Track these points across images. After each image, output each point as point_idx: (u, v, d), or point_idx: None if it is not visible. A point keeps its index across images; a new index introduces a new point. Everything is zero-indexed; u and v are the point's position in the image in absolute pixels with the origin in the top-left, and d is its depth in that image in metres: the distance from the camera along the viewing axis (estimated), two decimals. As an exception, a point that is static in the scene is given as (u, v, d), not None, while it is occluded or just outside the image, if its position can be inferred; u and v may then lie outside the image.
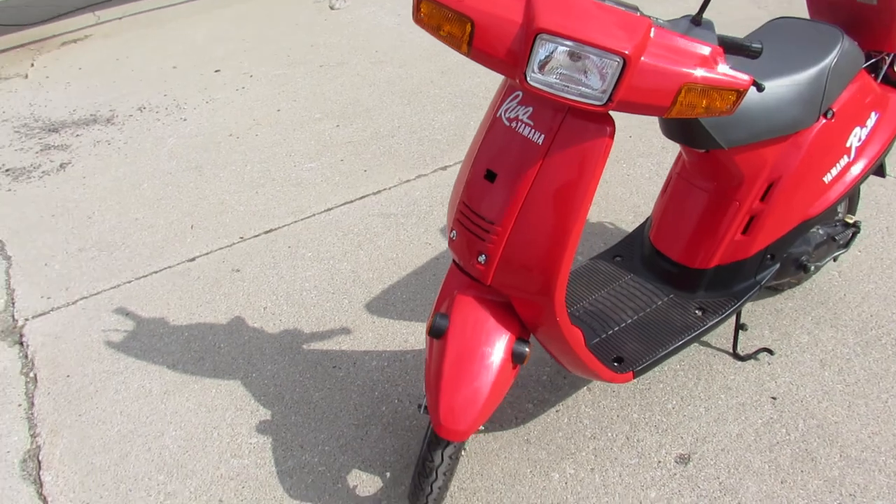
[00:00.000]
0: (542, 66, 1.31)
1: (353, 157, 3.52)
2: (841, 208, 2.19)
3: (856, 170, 1.90)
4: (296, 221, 3.06)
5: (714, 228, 1.88)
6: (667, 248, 1.99)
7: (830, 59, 1.73)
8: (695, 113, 1.35)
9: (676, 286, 1.97)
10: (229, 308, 2.59)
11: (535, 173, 1.45)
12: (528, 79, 1.31)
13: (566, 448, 1.93)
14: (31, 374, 2.39)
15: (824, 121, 1.80)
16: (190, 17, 5.81)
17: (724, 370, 2.11)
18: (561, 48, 1.28)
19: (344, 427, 2.07)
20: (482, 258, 1.52)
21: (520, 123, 1.47)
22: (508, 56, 1.31)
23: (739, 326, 2.10)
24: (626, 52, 1.25)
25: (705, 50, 1.33)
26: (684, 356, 2.16)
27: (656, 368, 2.12)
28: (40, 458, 2.07)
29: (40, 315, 2.66)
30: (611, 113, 1.37)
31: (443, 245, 2.80)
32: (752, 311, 2.30)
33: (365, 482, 1.90)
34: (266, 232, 3.01)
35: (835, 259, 2.25)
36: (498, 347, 1.56)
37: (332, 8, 5.56)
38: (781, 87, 1.69)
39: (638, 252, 2.09)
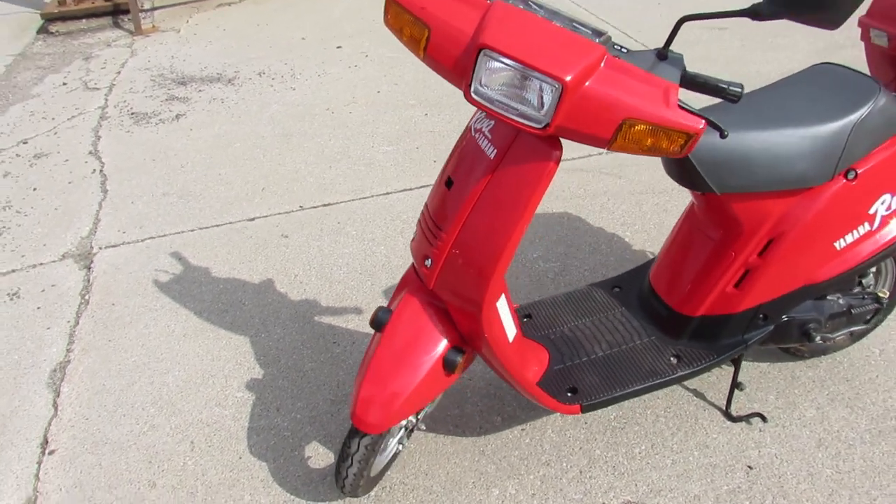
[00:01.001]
0: (487, 82, 1.30)
1: (430, 146, 3.59)
2: (870, 280, 1.98)
3: (880, 240, 1.71)
4: (353, 200, 3.18)
5: (707, 275, 1.76)
6: (660, 287, 1.90)
7: (858, 115, 1.56)
8: (639, 150, 1.29)
9: (662, 329, 1.88)
10: (265, 270, 2.76)
11: (483, 186, 1.45)
12: (472, 93, 1.31)
13: (517, 468, 1.91)
14: (86, 297, 2.68)
15: (844, 181, 1.63)
16: (334, -7, 6.11)
17: (709, 427, 1.98)
18: (501, 66, 1.27)
19: (320, 400, 2.16)
20: (428, 262, 1.54)
21: (481, 136, 1.48)
22: (456, 68, 1.31)
23: (736, 385, 1.96)
24: (565, 79, 1.22)
25: (658, 86, 1.27)
26: (672, 403, 2.05)
27: (637, 409, 2.03)
28: (67, 370, 2.33)
29: (111, 246, 2.97)
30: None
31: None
32: (766, 372, 2.14)
33: (320, 455, 1.98)
34: (324, 205, 3.15)
35: (853, 335, 2.04)
36: (431, 352, 1.57)
37: None
38: (793, 137, 1.55)
39: (636, 287, 2.00)
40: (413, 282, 1.64)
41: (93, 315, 2.58)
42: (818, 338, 1.85)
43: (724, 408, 2.00)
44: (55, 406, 2.20)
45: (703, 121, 1.26)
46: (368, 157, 3.52)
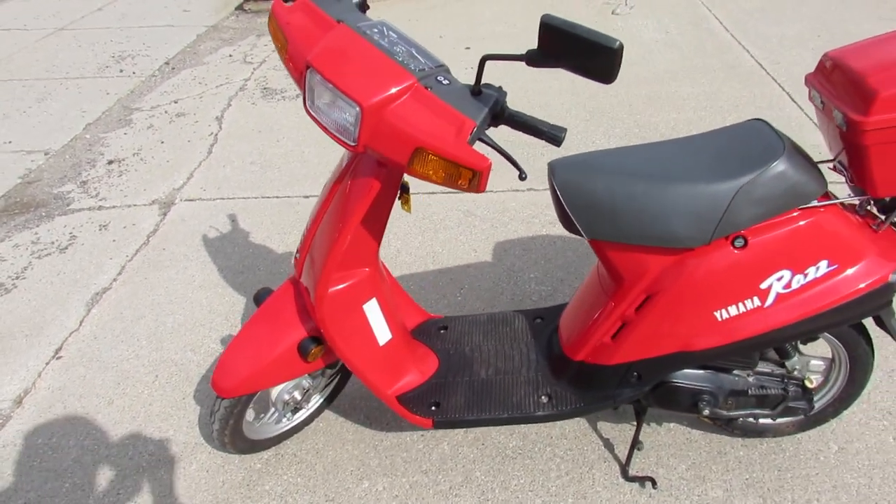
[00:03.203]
0: (316, 97, 1.41)
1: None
2: (801, 366, 1.76)
3: (773, 319, 1.53)
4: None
5: (590, 320, 1.71)
6: (562, 325, 1.86)
7: (746, 179, 1.43)
8: (435, 179, 1.33)
9: (550, 367, 1.84)
10: (294, 243, 3.02)
11: (336, 191, 1.57)
12: (307, 105, 1.43)
13: (396, 468, 1.98)
14: (149, 240, 3.13)
15: (730, 248, 1.50)
16: (493, -4, 6.28)
17: (599, 479, 1.90)
18: (321, 84, 1.37)
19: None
20: (297, 255, 1.69)
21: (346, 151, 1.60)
22: (299, 79, 1.44)
23: (636, 443, 1.87)
24: (363, 103, 1.30)
25: (454, 121, 1.30)
26: (577, 446, 1.98)
27: (539, 444, 2.00)
28: (103, 296, 2.77)
29: (189, 200, 3.41)
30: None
31: (487, 259, 2.84)
32: (693, 440, 1.98)
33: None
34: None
35: (753, 418, 1.84)
36: (288, 336, 1.71)
37: (613, 13, 5.52)
38: (666, 193, 1.46)
39: (554, 321, 1.97)
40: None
41: (145, 255, 3.01)
42: (707, 411, 1.71)
43: (624, 463, 1.91)
44: (81, 322, 2.63)
45: (489, 160, 1.27)
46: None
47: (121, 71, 5.23)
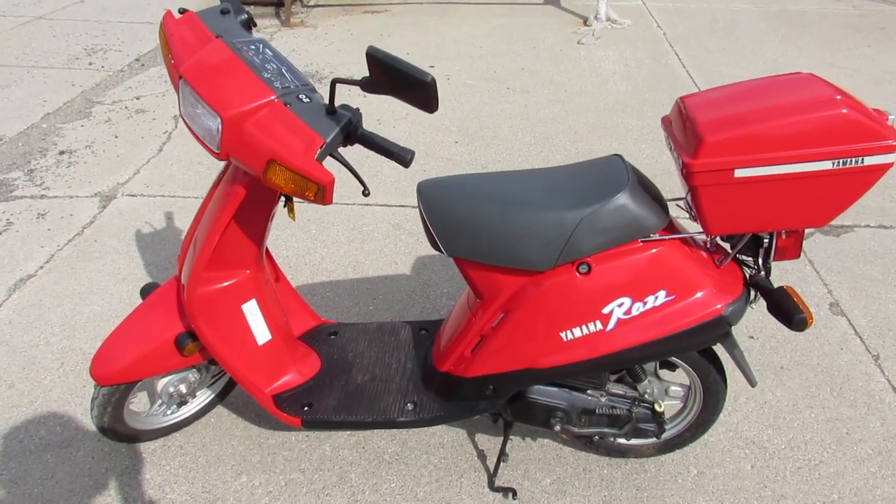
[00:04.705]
0: (188, 105, 1.50)
1: (438, 171, 3.75)
2: (654, 389, 1.86)
3: (612, 343, 1.62)
4: (338, 203, 3.43)
5: (456, 333, 1.80)
6: (437, 337, 1.95)
7: (589, 210, 1.53)
8: (287, 190, 1.42)
9: (421, 376, 1.93)
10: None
11: (212, 196, 1.66)
12: (180, 110, 1.52)
13: (275, 466, 2.05)
14: (83, 231, 3.19)
15: (574, 272, 1.60)
16: (466, 17, 6.41)
17: (466, 488, 1.97)
18: (192, 94, 1.46)
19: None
20: (179, 252, 1.77)
21: None
22: (176, 87, 1.53)
23: (502, 455, 1.95)
24: (223, 114, 1.40)
25: (304, 137, 1.39)
26: (452, 455, 2.06)
27: (417, 450, 2.08)
28: (27, 283, 2.83)
29: (130, 195, 3.49)
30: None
31: (405, 272, 2.93)
32: (561, 455, 2.06)
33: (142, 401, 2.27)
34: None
35: (609, 438, 1.92)
36: (166, 330, 1.78)
37: (579, 42, 5.66)
38: (521, 217, 1.56)
39: (435, 333, 2.05)
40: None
41: (76, 245, 3.08)
42: (558, 427, 1.80)
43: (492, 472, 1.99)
44: (-1, 306, 2.70)
45: (332, 175, 1.36)
46: (377, 168, 3.75)
47: (90, 64, 5.31)
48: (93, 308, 2.68)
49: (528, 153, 3.92)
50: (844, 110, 1.35)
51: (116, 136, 4.14)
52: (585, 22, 6.14)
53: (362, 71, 5.05)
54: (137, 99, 4.69)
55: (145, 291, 1.89)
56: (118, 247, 3.06)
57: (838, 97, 1.37)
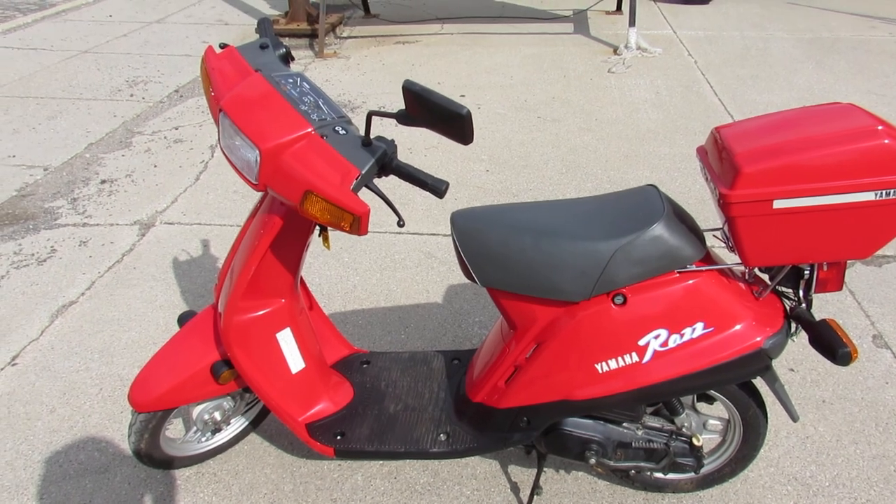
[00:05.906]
0: (227, 138, 1.54)
1: (470, 199, 3.76)
2: (692, 423, 1.82)
3: (649, 375, 1.60)
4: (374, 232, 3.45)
5: (490, 364, 1.79)
6: (470, 367, 1.94)
7: (625, 240, 1.52)
8: (323, 221, 1.44)
9: (455, 406, 1.92)
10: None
11: (249, 225, 1.69)
12: (221, 144, 1.56)
13: (308, 496, 2.04)
14: (123, 258, 3.26)
15: (609, 304, 1.58)
16: (497, 47, 6.47)
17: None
18: (231, 126, 1.50)
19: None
20: (216, 281, 1.80)
21: None
22: (216, 120, 1.57)
23: (536, 488, 1.92)
24: (261, 146, 1.43)
25: (340, 168, 1.41)
26: (483, 488, 2.03)
27: (449, 482, 2.06)
28: (68, 309, 2.90)
29: (168, 223, 3.56)
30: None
31: (437, 301, 2.93)
32: (597, 489, 2.02)
33: (177, 427, 2.29)
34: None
35: (647, 472, 1.88)
36: (202, 358, 1.81)
37: (609, 71, 5.68)
38: (555, 247, 1.56)
39: (468, 363, 2.04)
40: (222, 296, 1.89)
41: (116, 273, 3.14)
42: (594, 460, 1.77)
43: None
44: (42, 332, 2.76)
45: (367, 206, 1.38)
46: (409, 197, 3.78)
47: (131, 95, 5.46)
48: (131, 335, 2.73)
49: (560, 181, 3.92)
50: (887, 140, 1.33)
51: (155, 166, 4.24)
52: (616, 51, 6.16)
53: (393, 100, 5.12)
54: (176, 129, 4.80)
55: (183, 319, 1.92)
56: (156, 274, 3.12)
57: (880, 127, 1.35)
